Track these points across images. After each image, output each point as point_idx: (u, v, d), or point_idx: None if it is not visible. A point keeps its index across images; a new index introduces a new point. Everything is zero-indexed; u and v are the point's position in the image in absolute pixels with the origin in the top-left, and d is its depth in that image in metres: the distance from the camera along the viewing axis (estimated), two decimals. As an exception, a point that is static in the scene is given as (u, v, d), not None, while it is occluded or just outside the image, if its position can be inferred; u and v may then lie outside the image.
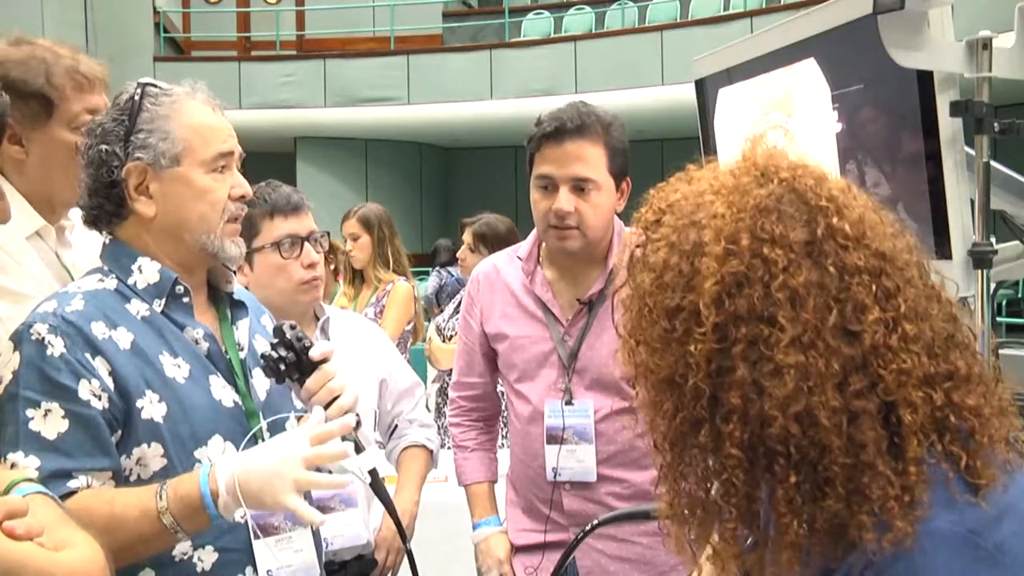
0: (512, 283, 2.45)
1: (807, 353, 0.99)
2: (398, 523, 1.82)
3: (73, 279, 1.90)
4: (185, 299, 1.71)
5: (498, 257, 2.58)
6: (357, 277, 4.92)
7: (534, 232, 2.46)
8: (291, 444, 1.57)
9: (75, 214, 2.02)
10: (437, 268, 8.44)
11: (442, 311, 5.81)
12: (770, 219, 1.04)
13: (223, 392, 1.70)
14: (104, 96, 1.92)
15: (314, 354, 1.67)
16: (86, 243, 2.03)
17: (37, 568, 1.16)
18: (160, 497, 1.54)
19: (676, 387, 1.05)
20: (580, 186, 2.25)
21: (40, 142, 1.87)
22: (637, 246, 1.11)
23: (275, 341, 1.69)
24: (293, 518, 1.74)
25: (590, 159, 2.25)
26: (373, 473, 1.68)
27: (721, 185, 1.08)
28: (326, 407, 1.66)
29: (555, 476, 2.34)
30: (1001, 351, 2.36)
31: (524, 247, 2.47)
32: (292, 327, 1.69)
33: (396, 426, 2.75)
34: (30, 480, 1.37)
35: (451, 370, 4.89)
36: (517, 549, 2.47)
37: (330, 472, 1.71)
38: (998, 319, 10.88)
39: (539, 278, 2.41)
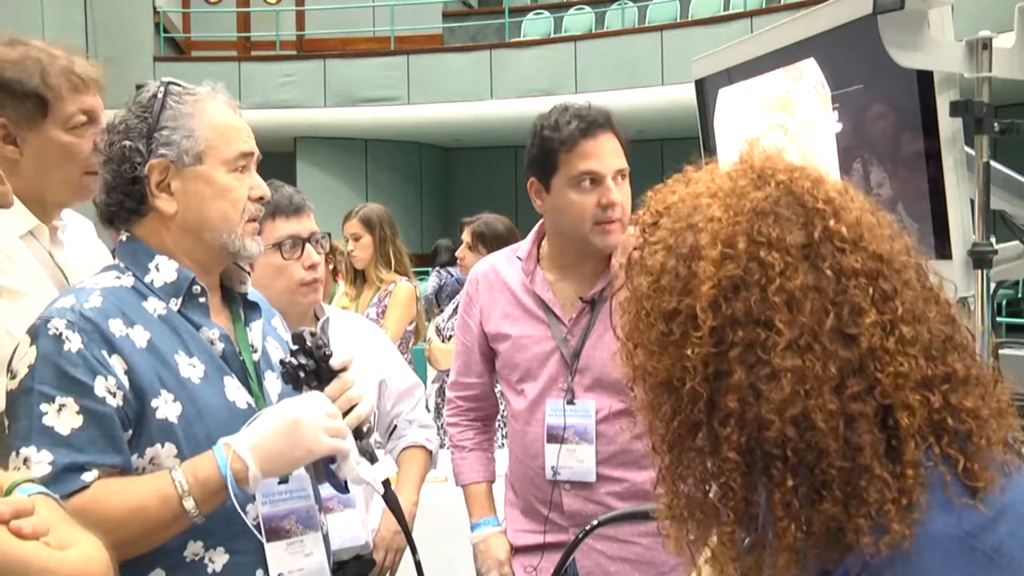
0: (512, 282, 2.45)
1: (804, 356, 0.99)
2: (407, 532, 1.82)
3: (67, 278, 1.90)
4: (202, 299, 1.71)
5: (496, 257, 2.57)
6: (359, 277, 4.92)
7: (533, 232, 2.46)
8: (303, 401, 1.63)
9: (67, 214, 2.02)
10: (437, 268, 8.43)
11: (442, 311, 5.81)
12: (767, 222, 1.03)
13: (237, 393, 1.70)
14: (99, 97, 1.92)
15: (334, 363, 1.68)
16: (77, 243, 2.03)
17: (43, 567, 1.17)
18: (178, 484, 1.55)
19: (674, 390, 1.05)
20: (620, 176, 2.29)
21: (34, 142, 1.87)
22: (634, 248, 1.11)
23: (295, 348, 1.68)
24: (305, 521, 1.74)
25: (619, 150, 2.31)
26: (386, 484, 1.68)
27: (718, 188, 1.08)
28: (343, 416, 1.66)
29: (554, 475, 2.34)
30: (1001, 351, 2.36)
31: (523, 247, 2.47)
32: (312, 334, 1.69)
33: (395, 427, 2.75)
34: (32, 480, 1.38)
35: (450, 370, 4.91)
36: (516, 550, 2.46)
37: (345, 483, 1.73)
38: (998, 319, 10.88)
39: (539, 278, 2.41)
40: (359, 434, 1.68)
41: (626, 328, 1.10)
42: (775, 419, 0.99)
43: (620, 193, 2.27)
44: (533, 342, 2.39)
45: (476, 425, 2.63)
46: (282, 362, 1.69)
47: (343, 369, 1.69)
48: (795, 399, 0.99)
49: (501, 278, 2.47)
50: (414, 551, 1.80)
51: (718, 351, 1.02)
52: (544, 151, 2.30)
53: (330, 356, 1.68)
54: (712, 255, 1.03)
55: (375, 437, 2.67)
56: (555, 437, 2.34)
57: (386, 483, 1.68)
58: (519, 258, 2.46)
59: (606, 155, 2.27)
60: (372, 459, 1.67)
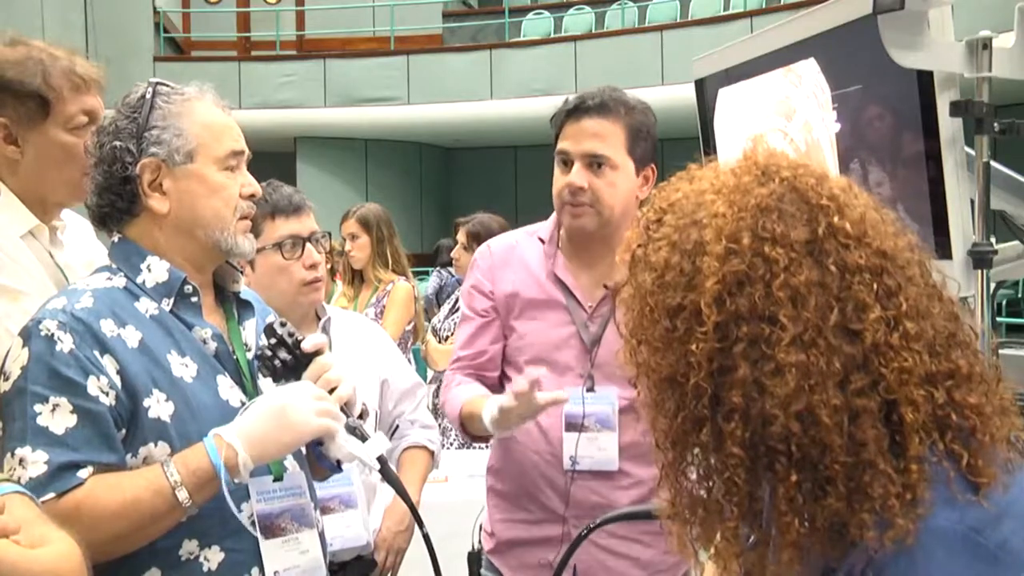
0: (531, 261, 2.40)
1: (808, 352, 0.99)
2: (411, 506, 1.81)
3: (67, 278, 1.90)
4: (194, 299, 1.72)
5: (516, 233, 2.52)
6: (357, 277, 4.92)
7: (554, 216, 2.42)
8: (290, 389, 1.64)
9: (66, 215, 2.03)
10: (438, 268, 8.42)
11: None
12: (771, 218, 1.04)
13: (230, 392, 1.71)
14: (99, 97, 1.93)
15: (306, 346, 1.69)
16: (77, 244, 2.03)
17: (13, 565, 1.17)
18: (169, 475, 1.56)
19: (677, 386, 1.05)
20: (595, 162, 2.25)
21: (35, 143, 1.88)
22: (638, 245, 1.11)
23: (267, 337, 1.70)
24: (300, 518, 1.75)
25: (607, 137, 2.25)
26: (381, 460, 1.69)
27: (722, 184, 1.08)
28: None
29: (572, 465, 2.29)
30: (1001, 351, 2.36)
31: (544, 228, 2.43)
32: (283, 324, 1.71)
33: (397, 427, 2.75)
34: (8, 480, 1.38)
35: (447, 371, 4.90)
36: (502, 543, 2.40)
37: (338, 462, 1.74)
38: (998, 319, 10.88)
39: (560, 261, 2.37)
40: (344, 414, 1.68)
41: (630, 324, 1.10)
42: (779, 414, 0.99)
43: (595, 180, 2.24)
44: (550, 326, 2.34)
45: (477, 377, 2.43)
46: (257, 355, 1.71)
47: (317, 352, 1.69)
48: (799, 394, 0.99)
49: (519, 254, 2.42)
50: (420, 524, 1.77)
51: (722, 347, 1.02)
52: (552, 129, 2.32)
53: (301, 341, 1.69)
54: (716, 251, 1.03)
55: (376, 432, 2.67)
56: (573, 426, 2.29)
57: (381, 459, 1.68)
58: (541, 239, 2.41)
59: (582, 138, 2.25)
60: (363, 438, 1.67)
